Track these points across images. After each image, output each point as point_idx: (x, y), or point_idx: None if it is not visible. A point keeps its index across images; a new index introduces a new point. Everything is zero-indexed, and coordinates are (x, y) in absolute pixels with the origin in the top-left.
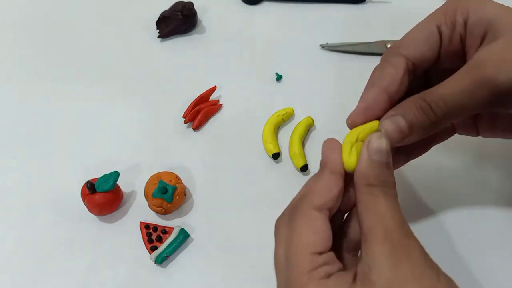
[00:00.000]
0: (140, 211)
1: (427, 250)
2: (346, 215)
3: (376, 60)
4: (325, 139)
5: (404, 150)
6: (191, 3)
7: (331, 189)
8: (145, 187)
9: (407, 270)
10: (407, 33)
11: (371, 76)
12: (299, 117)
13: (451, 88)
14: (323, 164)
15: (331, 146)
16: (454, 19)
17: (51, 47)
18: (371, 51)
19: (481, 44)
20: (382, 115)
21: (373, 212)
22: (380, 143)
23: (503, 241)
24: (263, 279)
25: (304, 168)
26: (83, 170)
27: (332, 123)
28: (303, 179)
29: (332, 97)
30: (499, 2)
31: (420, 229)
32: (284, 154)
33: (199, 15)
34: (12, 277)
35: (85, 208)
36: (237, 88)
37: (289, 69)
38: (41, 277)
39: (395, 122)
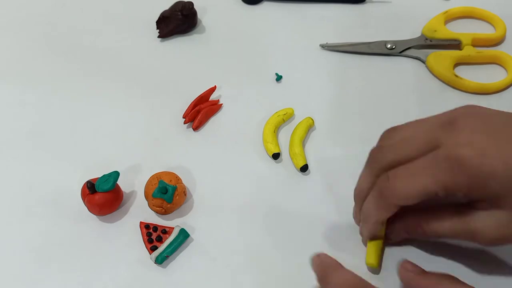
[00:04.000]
0: (140, 211)
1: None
2: None
3: (376, 60)
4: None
5: None
6: (191, 3)
7: None
8: (145, 187)
9: None
10: (403, 181)
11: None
12: (299, 117)
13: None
14: None
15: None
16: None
17: (50, 47)
18: (371, 51)
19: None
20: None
21: None
22: None
23: None
24: (263, 279)
25: (304, 168)
26: (83, 170)
27: (332, 123)
28: (303, 179)
29: (332, 97)
30: None
31: None
32: (284, 154)
33: (199, 15)
34: (12, 277)
35: (85, 208)
36: (237, 88)
37: (289, 69)
38: (41, 277)
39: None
